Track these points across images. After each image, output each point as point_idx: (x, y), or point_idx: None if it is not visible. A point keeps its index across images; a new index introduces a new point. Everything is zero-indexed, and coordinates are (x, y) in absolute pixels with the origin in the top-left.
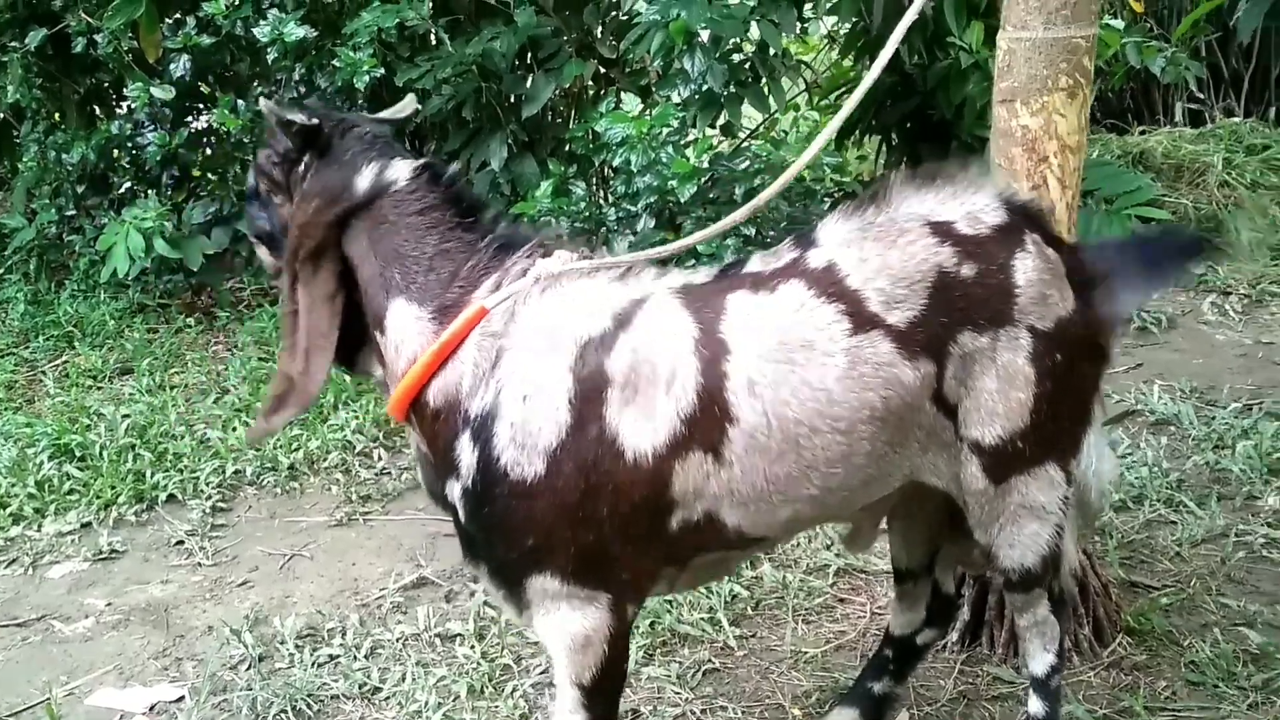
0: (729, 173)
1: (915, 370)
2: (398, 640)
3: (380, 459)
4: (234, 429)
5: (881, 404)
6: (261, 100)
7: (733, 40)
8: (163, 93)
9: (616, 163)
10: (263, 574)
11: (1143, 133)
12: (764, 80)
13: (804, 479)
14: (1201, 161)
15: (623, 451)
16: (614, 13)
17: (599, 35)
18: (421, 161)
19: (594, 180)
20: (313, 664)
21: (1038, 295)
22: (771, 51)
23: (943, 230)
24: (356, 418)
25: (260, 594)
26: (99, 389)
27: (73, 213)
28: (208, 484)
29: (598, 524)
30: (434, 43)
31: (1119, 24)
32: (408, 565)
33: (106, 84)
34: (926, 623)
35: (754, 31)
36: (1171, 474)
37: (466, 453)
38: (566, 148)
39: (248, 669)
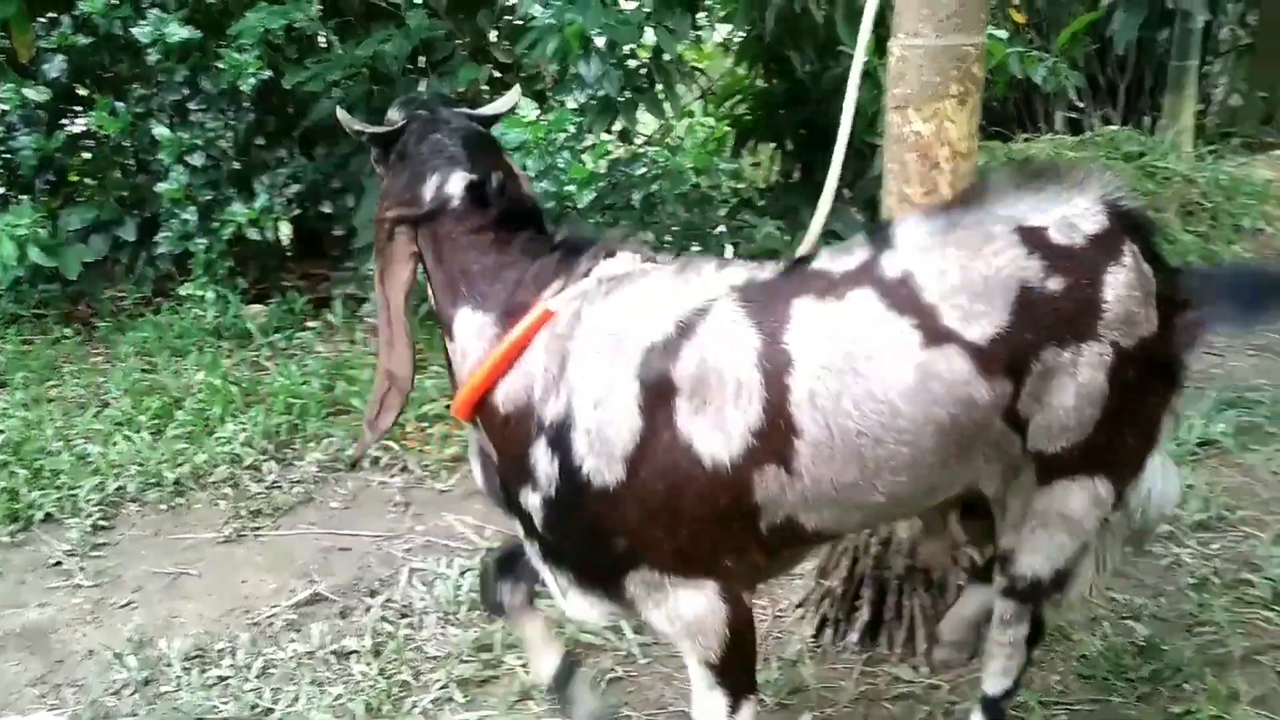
0: (626, 178)
1: (991, 389)
2: (291, 659)
3: (271, 472)
4: (115, 443)
5: (949, 420)
6: (338, 110)
7: (628, 46)
8: (36, 94)
9: None
10: (147, 594)
11: (1026, 140)
12: (659, 86)
13: (870, 488)
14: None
15: (700, 459)
16: (508, 16)
17: (494, 39)
18: (470, 179)
19: None
20: (201, 686)
21: (1125, 313)
22: (667, 57)
23: (1034, 238)
24: (245, 430)
25: (145, 615)
26: None
27: None
28: (87, 501)
29: (689, 524)
30: (324, 45)
31: (1002, 35)
32: (301, 581)
33: None
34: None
35: (650, 37)
36: None
37: (544, 461)
38: None
39: (132, 693)
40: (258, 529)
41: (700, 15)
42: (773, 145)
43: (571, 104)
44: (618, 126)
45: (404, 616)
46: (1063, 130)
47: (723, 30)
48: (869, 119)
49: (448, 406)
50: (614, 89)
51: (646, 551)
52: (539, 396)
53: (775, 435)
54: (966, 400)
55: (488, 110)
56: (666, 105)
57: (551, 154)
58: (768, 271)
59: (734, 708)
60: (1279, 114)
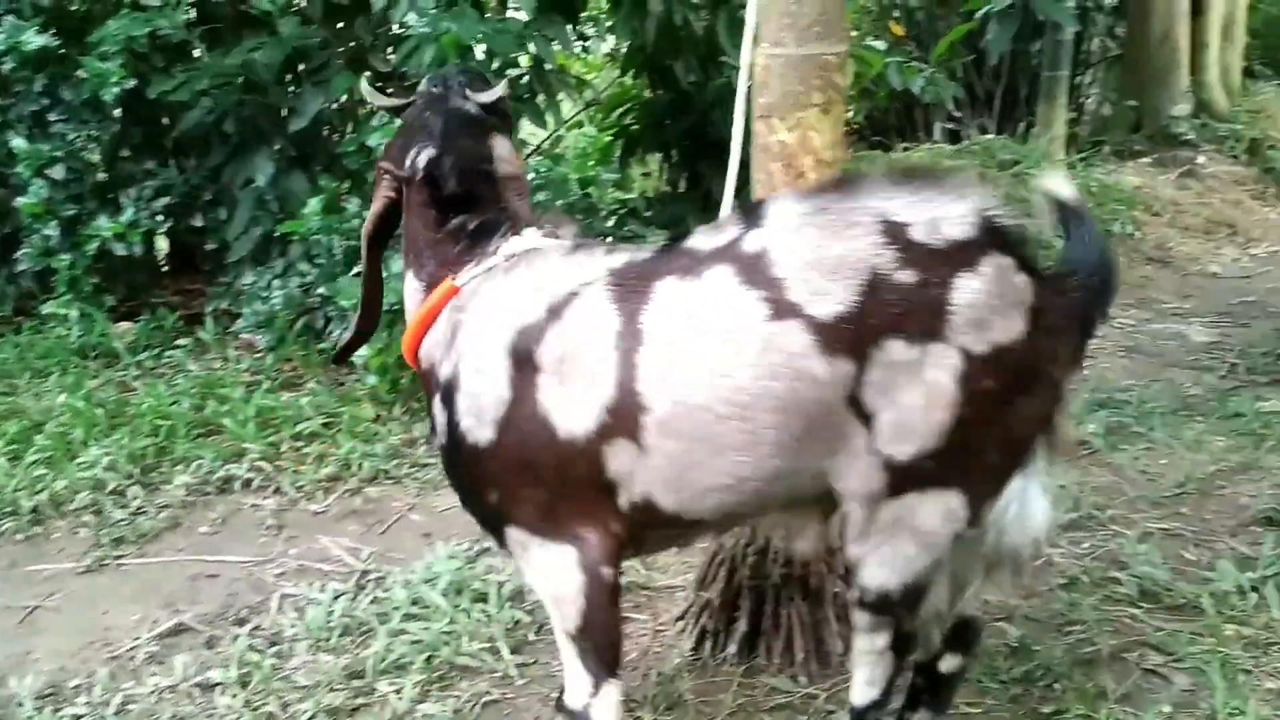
0: None
1: (830, 366)
2: (152, 694)
3: (136, 498)
4: None
5: (788, 393)
6: (363, 83)
7: (509, 56)
8: None
9: None
10: (0, 630)
11: (905, 149)
12: (541, 96)
13: (714, 467)
14: None
15: (556, 431)
16: (386, 25)
17: (372, 47)
18: (431, 155)
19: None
20: None
21: (976, 319)
22: (548, 67)
23: (895, 231)
24: (109, 454)
25: None
26: None
27: None
28: None
29: (547, 487)
30: (194, 53)
31: (881, 46)
32: (165, 611)
33: None
34: (946, 647)
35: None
36: None
37: (439, 414)
38: (341, 163)
39: None
40: (120, 558)
41: (588, 26)
42: (659, 155)
43: None
44: None
45: (273, 645)
46: (941, 139)
47: (612, 40)
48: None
49: (325, 424)
50: None
51: (514, 509)
52: (438, 358)
53: (626, 411)
54: (805, 375)
55: (484, 97)
56: (549, 115)
57: None
58: (647, 252)
59: (595, 688)
60: (1147, 122)
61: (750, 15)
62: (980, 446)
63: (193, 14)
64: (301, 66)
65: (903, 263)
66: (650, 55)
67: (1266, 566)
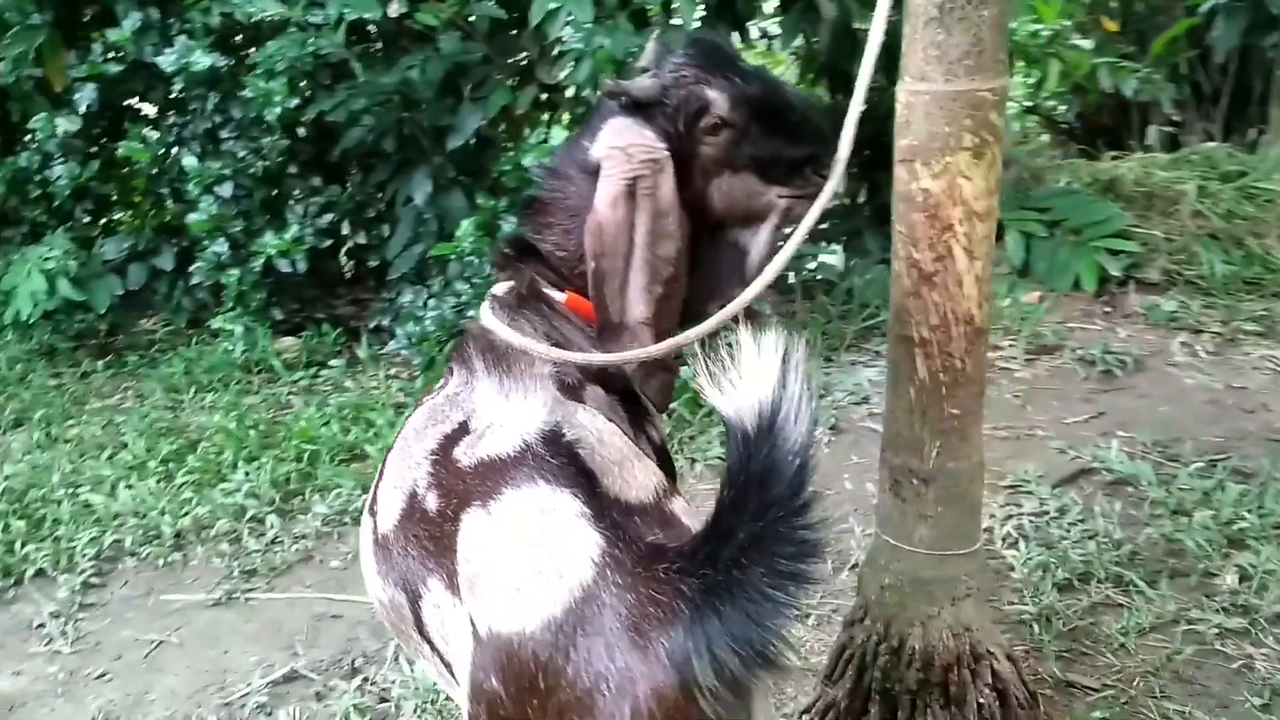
0: None
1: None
2: None
3: (273, 527)
4: (118, 492)
5: None
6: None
7: None
8: (68, 123)
9: None
10: (125, 664)
11: (1114, 159)
12: None
13: None
14: (1174, 189)
15: None
16: (550, 39)
17: (540, 60)
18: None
19: None
20: None
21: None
22: None
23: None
24: (254, 479)
25: (117, 689)
26: None
27: None
28: (83, 556)
29: None
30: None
31: (1089, 44)
32: (282, 654)
33: (18, 115)
34: None
35: None
36: (1124, 546)
37: None
38: (500, 181)
39: None
40: (250, 591)
41: (753, 32)
42: None
43: None
44: None
45: (382, 701)
46: (1157, 147)
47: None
48: None
49: None
50: None
51: None
52: None
53: None
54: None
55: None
56: None
57: None
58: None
59: None
60: None
61: (874, 41)
62: None
63: (354, 34)
64: (462, 83)
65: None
66: (827, 60)
67: None
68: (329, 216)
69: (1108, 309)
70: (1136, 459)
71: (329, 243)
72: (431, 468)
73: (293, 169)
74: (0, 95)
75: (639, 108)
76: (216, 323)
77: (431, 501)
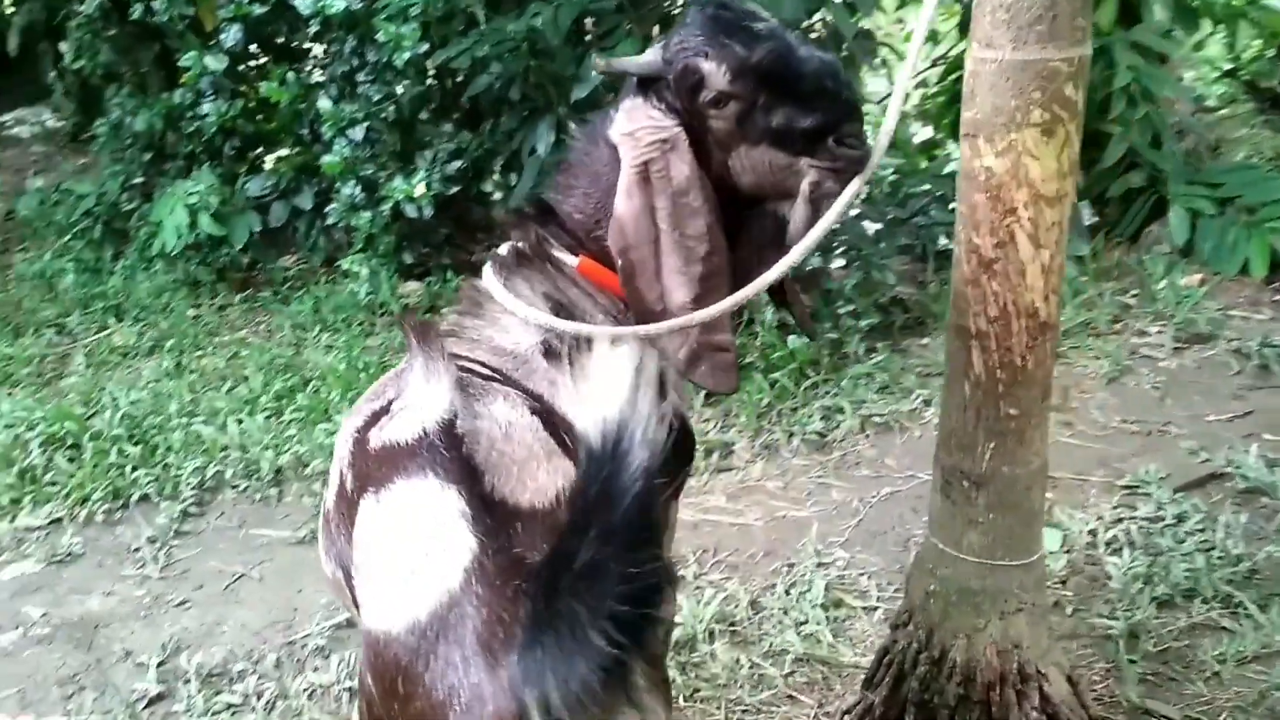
0: None
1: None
2: (304, 691)
3: None
4: (228, 425)
5: None
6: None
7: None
8: (215, 62)
9: None
10: (205, 594)
11: None
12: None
13: None
14: None
15: None
16: None
17: (674, 9)
18: None
19: None
20: (206, 712)
21: None
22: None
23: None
24: None
25: (193, 617)
26: (128, 368)
27: (141, 180)
28: (186, 485)
29: None
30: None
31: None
32: None
33: (176, 52)
34: None
35: None
36: (1241, 563)
37: None
38: None
39: (144, 707)
40: None
41: None
42: None
43: None
44: None
45: None
46: None
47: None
48: (1097, 104)
49: None
50: None
51: None
52: None
53: None
54: None
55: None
56: None
57: None
58: None
59: None
60: None
61: (925, 12)
62: None
63: None
64: (589, 33)
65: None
66: None
67: None
68: (458, 163)
69: (1277, 298)
70: (1277, 467)
71: (456, 189)
72: (352, 446)
73: (425, 115)
74: (158, 33)
75: (647, 84)
76: (345, 264)
77: (348, 481)
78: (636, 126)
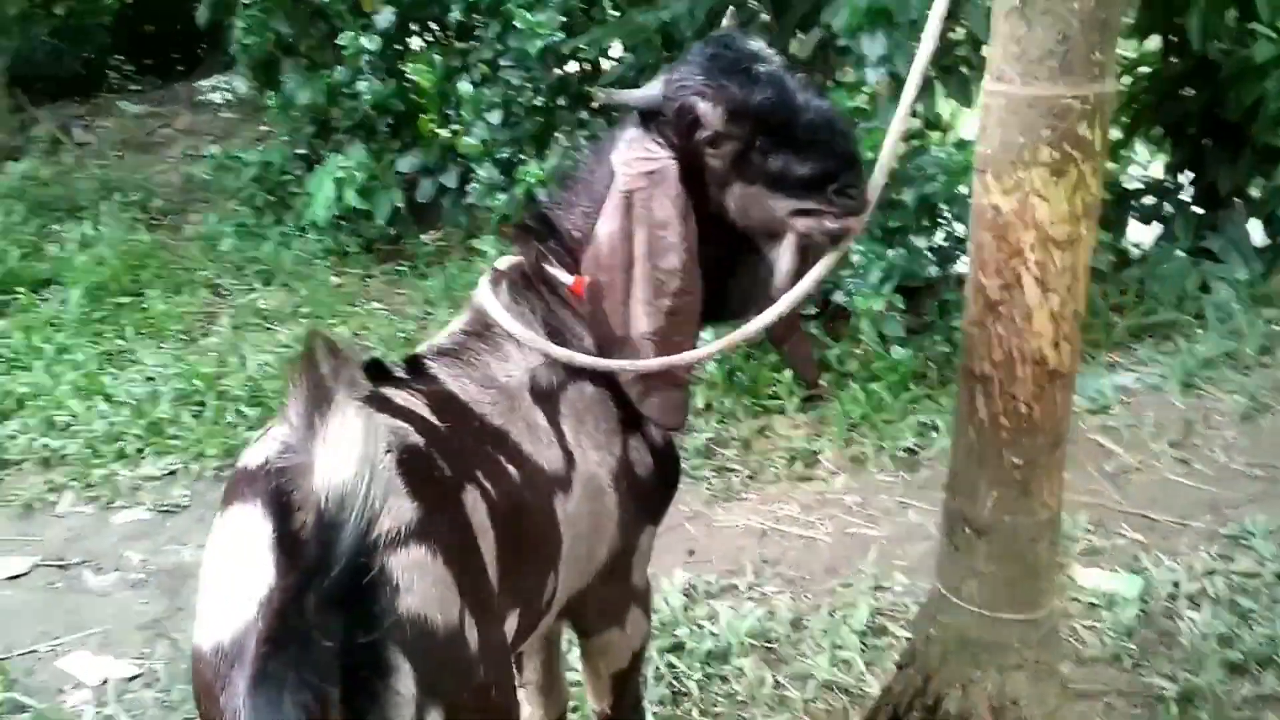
0: (902, 174)
1: None
2: None
3: None
4: None
5: None
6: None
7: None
8: (369, 42)
9: None
10: None
11: None
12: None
13: None
14: None
15: None
16: None
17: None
18: None
19: None
20: None
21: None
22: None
23: None
24: None
25: None
26: (267, 330)
27: (304, 152)
28: None
29: None
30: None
31: None
32: None
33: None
34: None
35: None
36: None
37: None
38: None
39: None
40: None
41: None
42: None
43: (872, 80)
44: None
45: None
46: None
47: None
48: (1273, 115)
49: None
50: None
51: None
52: None
53: None
54: None
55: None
56: (975, 90)
57: None
58: None
59: None
60: None
61: (930, 31)
62: None
63: None
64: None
65: None
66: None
67: None
68: None
69: None
70: None
71: None
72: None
73: (563, 101)
74: (321, 12)
75: (646, 116)
76: (477, 243)
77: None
78: (633, 156)
